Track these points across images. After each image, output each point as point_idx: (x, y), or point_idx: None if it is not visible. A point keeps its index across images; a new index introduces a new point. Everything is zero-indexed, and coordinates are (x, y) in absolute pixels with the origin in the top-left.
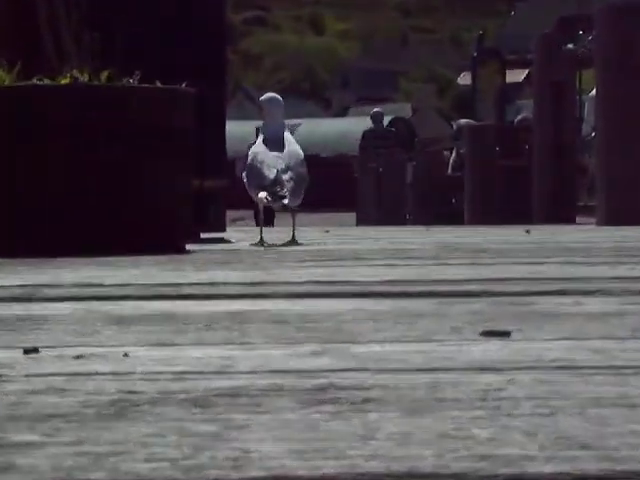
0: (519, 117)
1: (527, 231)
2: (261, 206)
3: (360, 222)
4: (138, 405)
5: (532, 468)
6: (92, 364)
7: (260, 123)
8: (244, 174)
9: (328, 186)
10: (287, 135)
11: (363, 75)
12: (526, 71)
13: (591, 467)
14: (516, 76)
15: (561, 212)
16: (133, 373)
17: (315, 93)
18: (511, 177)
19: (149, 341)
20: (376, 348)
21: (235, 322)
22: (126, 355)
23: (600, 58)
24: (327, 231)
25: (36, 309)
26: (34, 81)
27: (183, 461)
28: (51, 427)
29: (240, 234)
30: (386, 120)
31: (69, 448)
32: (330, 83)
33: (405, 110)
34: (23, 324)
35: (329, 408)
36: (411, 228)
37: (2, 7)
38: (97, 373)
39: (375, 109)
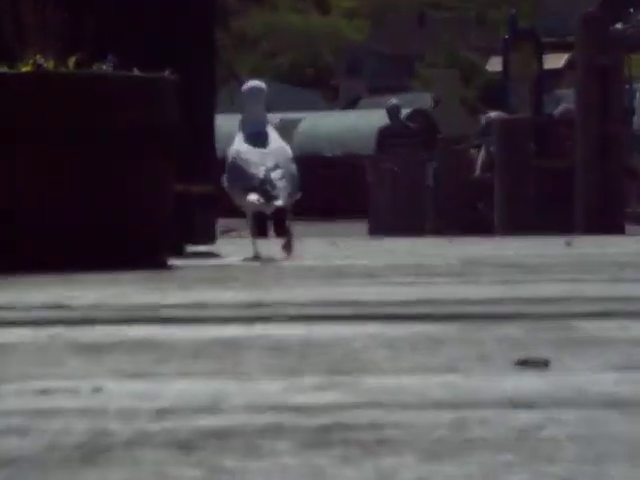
0: (559, 109)
1: (567, 243)
2: (250, 212)
3: (373, 232)
4: (111, 448)
5: None
6: (58, 400)
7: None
8: (224, 177)
9: (335, 191)
10: (270, 131)
11: (375, 60)
12: (566, 55)
13: None
14: (555, 61)
15: (607, 220)
16: (106, 410)
17: (319, 81)
18: (549, 179)
19: (125, 372)
20: (391, 380)
21: (227, 350)
22: (98, 389)
23: None
24: (334, 243)
25: None
26: None
27: None
28: (9, 476)
29: (232, 247)
30: (403, 112)
31: None
32: (337, 70)
33: (424, 101)
34: None
35: (336, 451)
36: (432, 240)
37: None
38: (64, 410)
39: (391, 100)
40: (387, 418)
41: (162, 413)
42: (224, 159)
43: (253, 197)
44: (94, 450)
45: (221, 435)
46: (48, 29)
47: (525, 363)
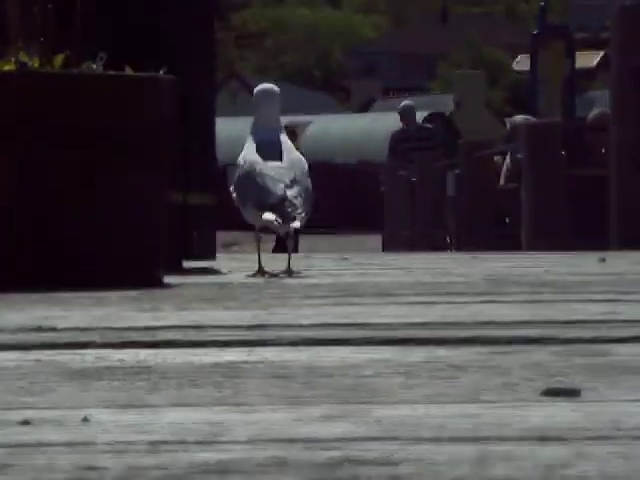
0: (592, 113)
1: (602, 259)
2: (258, 227)
3: (388, 247)
4: None
5: None
6: (42, 432)
7: None
8: (234, 188)
9: (346, 201)
10: (284, 139)
11: (391, 59)
12: (600, 53)
13: None
14: (588, 60)
15: None
16: (94, 443)
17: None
18: (582, 190)
19: (115, 401)
20: (406, 411)
21: (227, 377)
22: (86, 420)
23: None
24: (345, 258)
25: None
26: None
27: None
28: None
29: (234, 263)
30: (420, 116)
31: None
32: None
33: (445, 103)
34: None
35: None
36: (453, 255)
37: None
38: (48, 444)
39: (404, 102)
40: (402, 453)
41: (156, 446)
42: (225, 167)
43: (270, 217)
44: None
45: (220, 470)
46: (33, 25)
47: (555, 392)
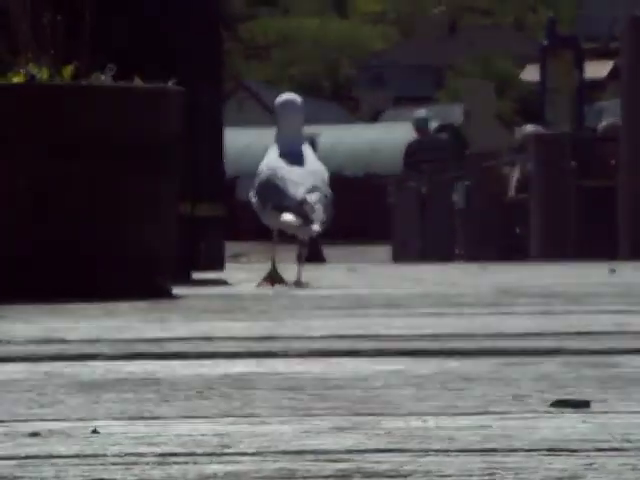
0: (602, 124)
1: (612, 270)
2: (277, 233)
3: (397, 258)
4: None
5: None
6: (52, 443)
7: (267, 130)
8: (252, 193)
9: (356, 213)
10: (307, 149)
11: (400, 70)
12: (611, 63)
13: None
14: (598, 70)
15: None
16: (104, 455)
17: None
18: (592, 201)
19: (125, 413)
20: (416, 423)
21: (236, 388)
22: (95, 432)
23: None
24: (354, 270)
25: None
26: None
27: None
28: None
29: (242, 274)
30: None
31: None
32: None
33: (454, 114)
34: None
35: None
36: (462, 266)
37: None
38: (58, 456)
39: (419, 112)
40: (412, 465)
41: (165, 458)
42: (235, 178)
43: (289, 217)
44: None
45: None
46: (42, 36)
47: (564, 404)
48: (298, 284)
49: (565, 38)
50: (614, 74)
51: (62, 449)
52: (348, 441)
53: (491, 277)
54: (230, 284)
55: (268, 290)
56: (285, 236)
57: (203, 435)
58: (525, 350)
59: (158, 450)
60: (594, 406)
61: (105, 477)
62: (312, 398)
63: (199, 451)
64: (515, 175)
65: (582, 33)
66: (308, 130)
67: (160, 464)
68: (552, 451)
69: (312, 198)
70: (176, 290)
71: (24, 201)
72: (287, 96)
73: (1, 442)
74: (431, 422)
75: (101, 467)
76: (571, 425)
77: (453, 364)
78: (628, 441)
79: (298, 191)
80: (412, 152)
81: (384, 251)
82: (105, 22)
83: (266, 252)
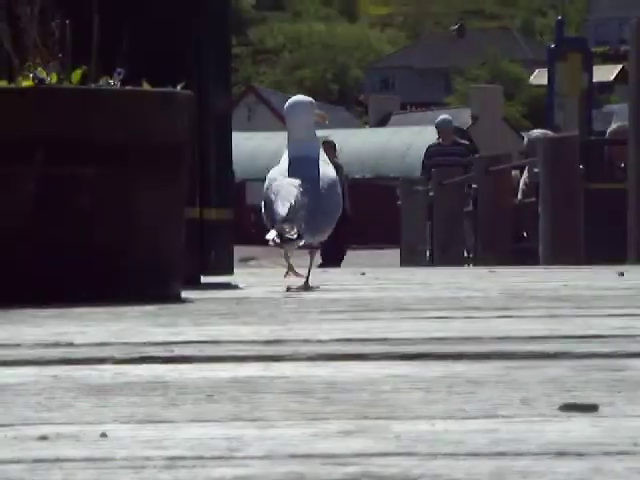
0: (611, 127)
1: (621, 273)
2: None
3: (406, 262)
4: None
5: None
6: (60, 447)
7: (276, 134)
8: (262, 205)
9: (364, 216)
10: (317, 152)
11: (408, 74)
12: (619, 67)
13: None
14: (606, 73)
15: None
16: (113, 459)
17: (346, 96)
18: (600, 204)
19: (134, 417)
20: (424, 426)
21: (244, 392)
22: (104, 435)
23: None
24: (363, 273)
25: None
26: None
27: None
28: None
29: (251, 278)
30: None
31: None
32: (366, 84)
33: (462, 118)
34: None
35: None
36: (471, 270)
37: None
38: (66, 459)
39: (442, 116)
40: (420, 468)
41: (174, 461)
42: (243, 182)
43: (270, 235)
44: None
45: None
46: (51, 40)
47: (572, 408)
48: (305, 288)
49: (574, 41)
50: (623, 77)
51: (70, 453)
52: (356, 445)
53: (499, 280)
54: (239, 288)
55: (276, 293)
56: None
57: (212, 439)
58: (533, 353)
59: (166, 454)
60: (602, 410)
61: None
62: (320, 402)
63: (207, 455)
64: (523, 179)
65: (591, 37)
66: (317, 134)
67: (168, 468)
68: (560, 455)
69: (301, 213)
70: (185, 294)
71: (31, 204)
72: (296, 98)
73: (10, 445)
74: (439, 426)
75: (109, 471)
76: (579, 429)
77: (461, 367)
78: (636, 444)
79: (283, 208)
80: (431, 155)
81: (393, 254)
82: (114, 26)
83: (275, 257)
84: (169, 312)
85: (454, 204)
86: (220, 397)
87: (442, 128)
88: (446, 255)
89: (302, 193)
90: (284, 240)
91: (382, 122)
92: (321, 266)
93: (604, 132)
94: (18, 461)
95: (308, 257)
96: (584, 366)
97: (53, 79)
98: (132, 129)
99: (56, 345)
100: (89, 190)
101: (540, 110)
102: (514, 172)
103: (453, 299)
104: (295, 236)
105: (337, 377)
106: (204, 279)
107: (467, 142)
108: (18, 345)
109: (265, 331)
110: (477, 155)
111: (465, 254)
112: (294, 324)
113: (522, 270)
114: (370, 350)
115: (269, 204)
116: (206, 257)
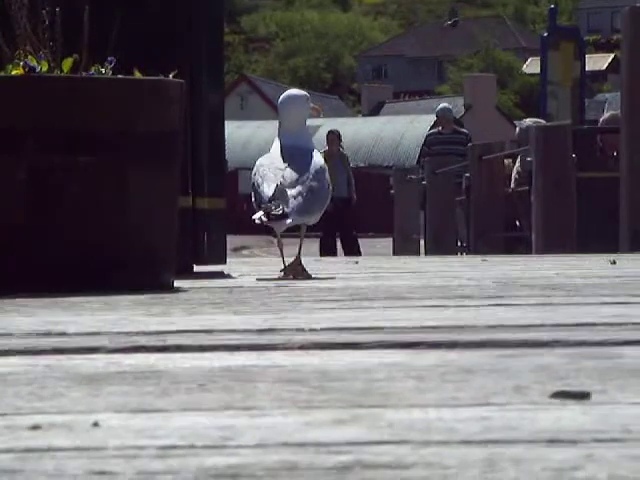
0: (604, 116)
1: (613, 261)
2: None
3: (398, 251)
4: None
5: None
6: (52, 436)
7: (268, 123)
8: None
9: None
10: (307, 142)
11: (401, 62)
12: (612, 55)
13: None
14: (599, 62)
15: None
16: (105, 448)
17: (339, 85)
18: (593, 193)
19: (126, 406)
20: (417, 414)
21: (237, 381)
22: (96, 424)
23: None
24: (356, 262)
25: None
26: None
27: None
28: None
29: (244, 267)
30: (431, 120)
31: None
32: (358, 72)
33: (455, 107)
34: None
35: None
36: (464, 258)
37: None
38: (58, 448)
39: (441, 105)
40: (412, 456)
41: (166, 451)
42: (235, 170)
43: (257, 215)
44: None
45: (230, 475)
46: (41, 29)
47: (565, 395)
48: (291, 274)
49: (566, 29)
50: (615, 66)
51: (62, 442)
52: (349, 433)
53: (492, 269)
54: (232, 277)
55: (269, 282)
56: (289, 229)
57: (204, 428)
58: (526, 342)
59: (159, 443)
60: (594, 397)
61: (106, 470)
62: (313, 390)
63: (200, 444)
64: (515, 168)
65: (583, 25)
66: (308, 122)
67: (161, 457)
68: (552, 442)
69: (290, 192)
70: (177, 283)
71: (22, 193)
72: (289, 92)
73: (1, 435)
74: (432, 414)
75: (101, 460)
76: (571, 416)
77: (454, 356)
78: (628, 432)
79: (270, 189)
80: (430, 144)
81: (386, 243)
82: (105, 14)
83: (268, 245)
84: (162, 301)
85: (447, 193)
86: (213, 386)
87: (442, 116)
88: (439, 244)
89: (288, 175)
90: (270, 219)
91: (375, 111)
92: (347, 255)
93: (596, 121)
94: (9, 451)
95: (298, 240)
96: (576, 354)
97: (44, 68)
98: (124, 118)
99: (48, 334)
100: (80, 179)
101: (533, 99)
102: (507, 161)
103: (446, 288)
104: (280, 212)
105: (330, 366)
106: (197, 268)
107: (465, 130)
108: (10, 334)
109: (258, 320)
110: (470, 144)
111: (458, 243)
112: (287, 313)
113: (515, 258)
114: (363, 339)
115: (256, 187)
116: (199, 246)
